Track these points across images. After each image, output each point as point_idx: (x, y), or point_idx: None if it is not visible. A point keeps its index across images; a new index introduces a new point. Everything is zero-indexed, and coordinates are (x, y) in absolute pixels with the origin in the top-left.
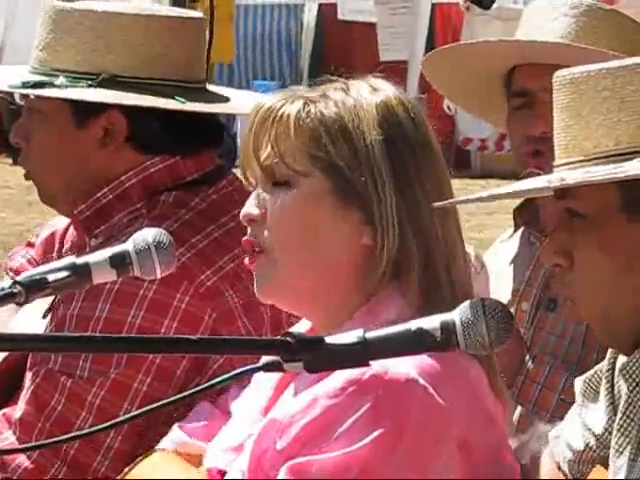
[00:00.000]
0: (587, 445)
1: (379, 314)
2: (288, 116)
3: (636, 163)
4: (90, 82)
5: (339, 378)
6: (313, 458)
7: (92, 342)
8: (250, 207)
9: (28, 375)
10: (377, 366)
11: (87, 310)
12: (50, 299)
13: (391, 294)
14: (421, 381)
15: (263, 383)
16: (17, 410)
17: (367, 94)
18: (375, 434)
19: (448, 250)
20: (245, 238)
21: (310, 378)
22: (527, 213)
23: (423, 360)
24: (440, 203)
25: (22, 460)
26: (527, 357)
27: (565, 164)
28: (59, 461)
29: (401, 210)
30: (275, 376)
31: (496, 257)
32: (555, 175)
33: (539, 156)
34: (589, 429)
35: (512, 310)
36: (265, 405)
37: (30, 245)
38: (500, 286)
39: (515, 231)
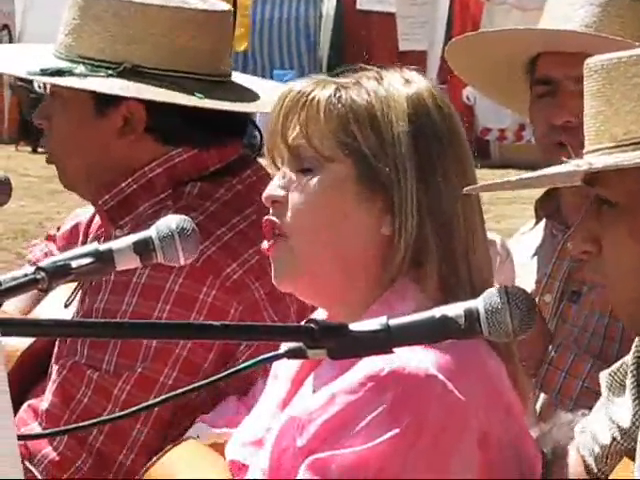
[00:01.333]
0: (614, 439)
1: (397, 305)
2: (319, 100)
3: None
4: (110, 71)
5: (358, 374)
6: (332, 454)
7: (119, 328)
8: (274, 188)
9: (54, 367)
10: (396, 362)
11: (114, 304)
12: (71, 289)
13: (409, 285)
14: (440, 377)
15: (281, 376)
16: (44, 402)
17: (399, 85)
18: (394, 431)
19: (469, 243)
20: (266, 217)
21: (329, 373)
22: (549, 205)
23: (441, 355)
24: (468, 188)
25: (48, 451)
26: (550, 347)
27: (594, 150)
28: (85, 453)
29: (422, 202)
30: (293, 369)
31: (518, 249)
32: (583, 160)
33: (563, 147)
34: (615, 423)
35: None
36: (283, 398)
37: (50, 238)
38: (522, 278)
39: (537, 223)
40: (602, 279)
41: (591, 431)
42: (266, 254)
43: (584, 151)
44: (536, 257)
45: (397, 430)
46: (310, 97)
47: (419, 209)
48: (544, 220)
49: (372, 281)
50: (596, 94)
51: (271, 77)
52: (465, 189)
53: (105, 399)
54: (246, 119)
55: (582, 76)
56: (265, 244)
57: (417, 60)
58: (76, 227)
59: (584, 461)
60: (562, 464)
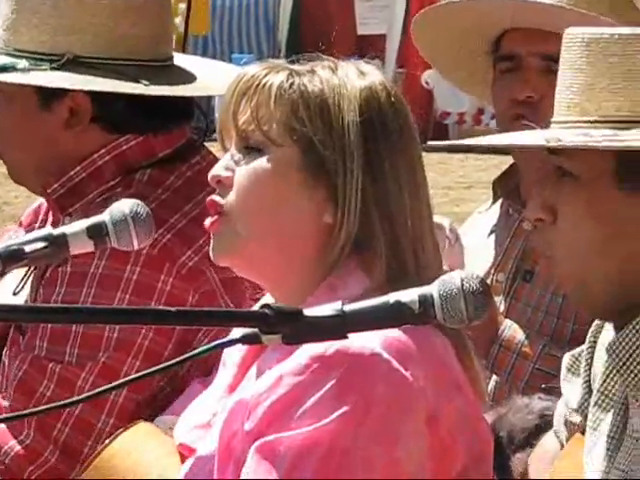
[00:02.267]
0: (566, 419)
1: (341, 290)
2: (271, 85)
3: (636, 133)
4: (53, 64)
5: (303, 355)
6: (280, 436)
7: (78, 314)
8: (219, 169)
9: (14, 363)
10: (342, 341)
11: (72, 295)
12: (20, 276)
13: (354, 271)
14: (385, 355)
15: (229, 363)
16: (5, 400)
17: (354, 77)
18: (342, 410)
19: (416, 235)
20: (210, 197)
21: (275, 356)
22: (507, 184)
23: (388, 334)
24: (434, 143)
25: (14, 444)
26: (502, 327)
27: (563, 122)
28: (51, 445)
29: (368, 193)
30: (240, 353)
31: (474, 229)
32: (553, 133)
33: (522, 120)
34: (566, 402)
35: (489, 281)
36: (230, 383)
37: (20, 224)
38: (478, 257)
39: (493, 203)
40: (550, 250)
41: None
42: (207, 229)
43: (552, 119)
44: (491, 236)
45: (344, 409)
46: (263, 82)
47: (364, 199)
48: (500, 200)
49: (310, 267)
50: (572, 66)
51: (230, 61)
52: (430, 142)
53: (69, 391)
54: (193, 103)
55: (546, 53)
56: (207, 221)
57: (376, 44)
58: (39, 207)
59: (562, 444)
60: (517, 450)
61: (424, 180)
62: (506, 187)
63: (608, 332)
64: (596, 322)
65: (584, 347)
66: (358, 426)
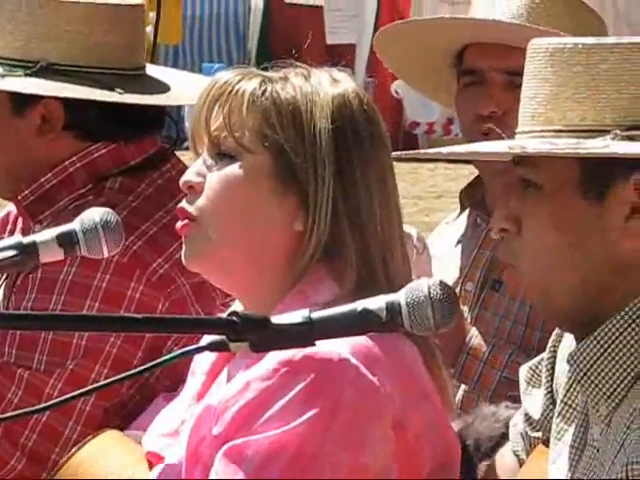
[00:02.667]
0: (526, 431)
1: (310, 297)
2: (244, 92)
3: (600, 142)
4: (27, 71)
5: (271, 360)
6: (248, 439)
7: (47, 320)
8: (191, 174)
9: None
10: (309, 347)
11: (41, 302)
12: None
13: (324, 278)
14: (353, 361)
15: (198, 371)
16: None
17: (327, 84)
18: (309, 414)
19: (386, 244)
20: (180, 205)
21: (244, 362)
22: (474, 194)
23: (356, 341)
24: (398, 153)
25: None
26: (469, 337)
27: (528, 132)
28: (18, 452)
29: (338, 201)
30: (208, 361)
31: (441, 238)
32: (517, 141)
33: (488, 137)
34: (528, 415)
35: (457, 290)
36: (199, 390)
37: None
38: (445, 267)
39: (461, 213)
40: (514, 260)
41: (519, 430)
42: (178, 233)
43: (517, 130)
44: (459, 246)
45: (311, 413)
46: (235, 88)
47: (335, 207)
48: (468, 210)
49: (280, 273)
50: (537, 76)
51: (200, 70)
52: (394, 153)
53: (36, 398)
54: (164, 112)
55: (509, 67)
56: (179, 224)
57: (346, 53)
58: (7, 215)
59: (517, 456)
60: (484, 458)
61: (394, 189)
62: (473, 197)
63: (568, 342)
64: (556, 332)
65: (544, 357)
66: (325, 430)
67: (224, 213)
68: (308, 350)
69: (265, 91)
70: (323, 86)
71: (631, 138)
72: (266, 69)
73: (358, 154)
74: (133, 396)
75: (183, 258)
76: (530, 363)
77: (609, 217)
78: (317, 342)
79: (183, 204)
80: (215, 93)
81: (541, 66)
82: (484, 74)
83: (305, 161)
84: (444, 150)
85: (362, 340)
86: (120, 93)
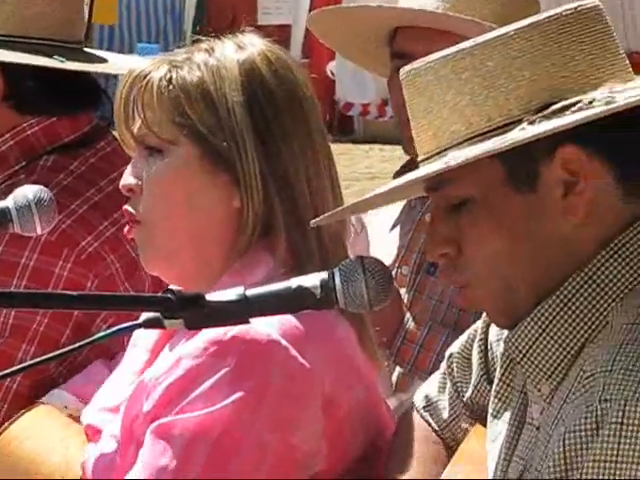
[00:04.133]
0: (456, 414)
1: (248, 274)
2: (152, 85)
3: (517, 132)
4: None
5: (202, 338)
6: (175, 418)
7: None
8: (128, 177)
9: None
10: (240, 326)
11: None
12: None
13: (260, 255)
14: (283, 342)
15: (140, 345)
16: None
17: (231, 53)
18: (237, 395)
19: (318, 209)
20: (125, 207)
21: (183, 340)
22: None
23: (286, 321)
24: (315, 220)
25: None
26: (406, 318)
27: (438, 153)
28: None
29: (264, 171)
30: (151, 339)
31: (376, 221)
32: (434, 164)
33: None
34: (459, 397)
35: (393, 274)
36: (141, 367)
37: None
38: (380, 250)
39: None
40: (462, 281)
41: (444, 417)
42: (128, 236)
43: (420, 158)
44: (394, 230)
45: (239, 395)
46: (145, 82)
47: (264, 179)
48: None
49: (225, 253)
50: (424, 97)
51: (135, 50)
52: (312, 222)
53: None
54: (99, 90)
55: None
56: (126, 228)
57: (281, 34)
58: None
59: (439, 435)
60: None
61: (328, 157)
62: None
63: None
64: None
65: (477, 338)
66: (253, 412)
67: (165, 214)
68: (238, 330)
69: (171, 79)
70: (228, 57)
71: (546, 118)
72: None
73: (277, 122)
74: (61, 373)
75: (142, 263)
76: (457, 345)
77: (547, 202)
78: (251, 320)
79: (127, 207)
80: (127, 89)
81: (427, 86)
82: (414, 58)
83: (225, 139)
84: (360, 200)
85: (294, 321)
86: (61, 61)
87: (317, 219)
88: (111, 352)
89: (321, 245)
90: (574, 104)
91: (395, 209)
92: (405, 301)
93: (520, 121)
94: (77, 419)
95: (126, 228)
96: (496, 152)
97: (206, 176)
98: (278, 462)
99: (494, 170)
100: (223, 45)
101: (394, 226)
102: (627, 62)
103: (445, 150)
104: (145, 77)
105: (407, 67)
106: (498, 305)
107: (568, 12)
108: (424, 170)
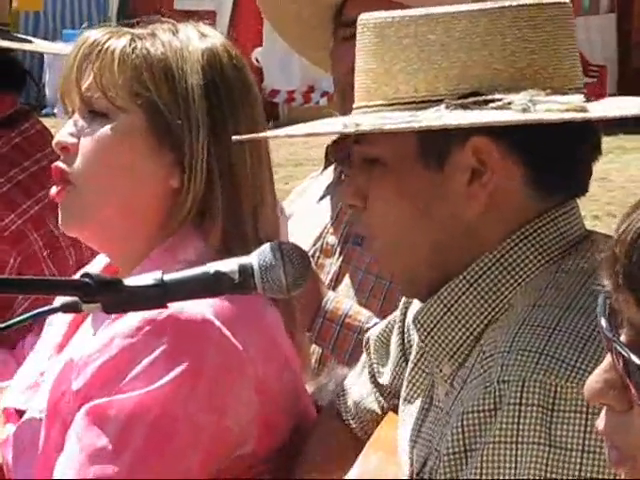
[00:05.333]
0: (382, 406)
1: (177, 254)
2: (113, 50)
3: (432, 112)
4: None
5: (136, 317)
6: (111, 399)
7: None
8: (64, 135)
9: None
10: (174, 306)
11: None
12: None
13: (191, 235)
14: (217, 322)
15: (56, 322)
16: None
17: (195, 38)
18: (173, 374)
19: (257, 197)
20: (55, 164)
21: (107, 316)
22: (340, 150)
23: (220, 303)
24: (241, 137)
25: None
26: (326, 298)
27: (364, 107)
28: None
29: (212, 156)
30: (69, 314)
31: (305, 193)
32: (352, 118)
33: None
34: (382, 389)
35: (319, 245)
36: (59, 342)
37: None
38: (308, 222)
39: (325, 168)
40: (366, 233)
41: (354, 399)
42: (54, 199)
43: (354, 105)
44: (322, 201)
45: (174, 375)
46: (105, 46)
47: (208, 163)
48: (333, 165)
49: (153, 231)
50: (369, 51)
51: (61, 37)
52: (234, 137)
53: None
54: (24, 72)
55: None
56: (54, 189)
57: (205, 20)
58: None
59: (348, 425)
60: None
61: (266, 145)
62: (339, 152)
63: (418, 303)
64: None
65: (396, 320)
66: (189, 391)
67: (99, 177)
68: (173, 310)
69: (135, 48)
70: (192, 41)
71: (464, 106)
72: (132, 26)
73: (231, 111)
74: None
75: (60, 225)
76: (376, 330)
77: (451, 184)
78: (170, 304)
79: (58, 163)
80: (84, 52)
81: (373, 41)
82: None
83: (179, 117)
84: (280, 132)
85: (226, 303)
86: None
87: (242, 137)
88: (18, 333)
89: (257, 233)
90: (494, 100)
91: (325, 180)
92: (332, 272)
93: (442, 101)
94: None
95: (53, 189)
96: (404, 131)
97: (149, 150)
98: (211, 443)
99: (408, 141)
100: (186, 29)
101: (322, 197)
102: (578, 71)
103: (370, 107)
104: (104, 43)
105: (364, 15)
106: (396, 267)
107: (528, 5)
108: (337, 125)
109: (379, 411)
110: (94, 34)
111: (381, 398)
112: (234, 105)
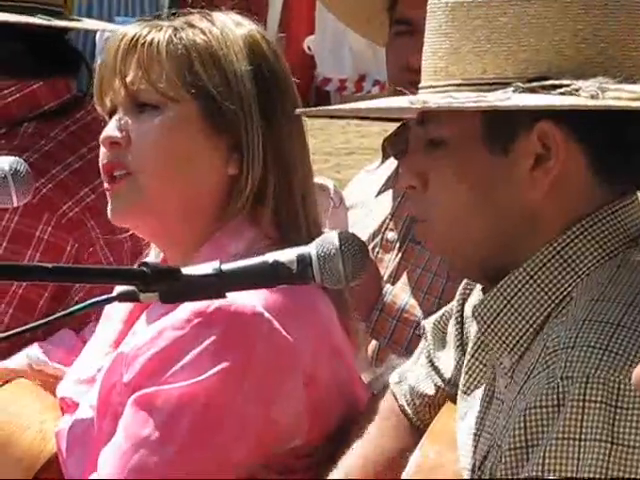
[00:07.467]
0: (438, 388)
1: (228, 246)
2: (159, 42)
3: (501, 94)
4: None
5: (185, 310)
6: (158, 389)
7: None
8: (112, 130)
9: None
10: (223, 299)
11: None
12: None
13: (240, 226)
14: (267, 315)
15: (114, 317)
16: None
17: (232, 26)
18: (221, 366)
19: (305, 183)
20: (105, 161)
21: (160, 311)
22: (397, 144)
23: (270, 294)
24: (303, 110)
25: None
26: (385, 290)
27: (430, 87)
28: None
29: (266, 139)
30: (125, 309)
31: (361, 187)
32: (418, 97)
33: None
34: (439, 372)
35: (378, 239)
36: (115, 338)
37: None
38: (364, 217)
39: (383, 162)
40: (422, 215)
41: (410, 383)
42: (106, 190)
43: (420, 85)
44: (381, 196)
45: (222, 367)
46: (148, 39)
47: (264, 147)
48: (391, 159)
49: (210, 222)
50: (438, 31)
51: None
52: (297, 110)
53: None
54: (80, 58)
55: None
56: (105, 184)
57: (259, 7)
58: None
59: (403, 410)
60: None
61: (303, 126)
62: (397, 147)
63: (476, 296)
64: (463, 285)
65: (454, 310)
66: (236, 384)
67: (158, 168)
68: (222, 302)
69: (182, 39)
70: (230, 28)
71: (532, 90)
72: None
73: (277, 93)
74: (34, 334)
75: (110, 214)
76: (434, 317)
77: (515, 169)
78: (228, 294)
79: (108, 160)
80: (126, 46)
81: (442, 21)
82: (416, 24)
83: (232, 103)
84: (346, 106)
85: (277, 294)
86: (48, 20)
87: (305, 110)
88: (82, 318)
89: (307, 218)
90: (562, 86)
91: (383, 174)
92: (390, 268)
93: (510, 84)
94: (46, 376)
95: (105, 183)
96: (473, 110)
97: (205, 137)
98: (258, 435)
99: (474, 124)
100: (221, 17)
101: (380, 192)
102: None
103: (437, 87)
104: (146, 35)
105: None
106: (445, 254)
107: None
108: (403, 101)
109: (434, 394)
110: (131, 29)
111: (438, 379)
112: (280, 90)
